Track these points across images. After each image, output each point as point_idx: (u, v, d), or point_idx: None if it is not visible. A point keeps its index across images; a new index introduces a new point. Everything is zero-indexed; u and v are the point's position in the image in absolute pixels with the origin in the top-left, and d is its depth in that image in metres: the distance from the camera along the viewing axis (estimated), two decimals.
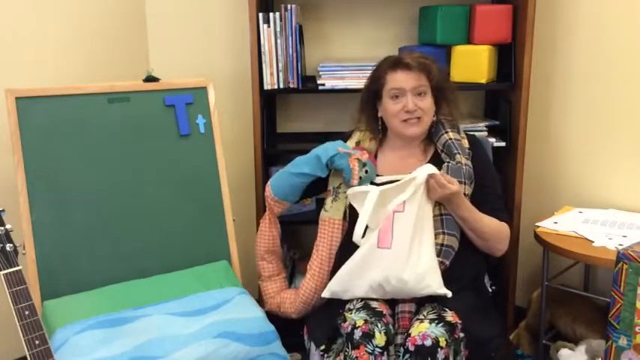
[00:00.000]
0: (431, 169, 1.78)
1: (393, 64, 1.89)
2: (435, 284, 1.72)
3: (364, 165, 1.88)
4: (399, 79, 1.87)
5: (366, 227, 1.79)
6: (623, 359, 1.48)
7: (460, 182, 1.83)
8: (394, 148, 1.99)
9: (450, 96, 1.96)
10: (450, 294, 1.72)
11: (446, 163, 1.88)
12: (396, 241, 1.75)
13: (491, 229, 1.85)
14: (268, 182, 2.05)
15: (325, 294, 1.84)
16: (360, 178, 1.87)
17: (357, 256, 1.78)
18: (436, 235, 1.80)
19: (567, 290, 2.21)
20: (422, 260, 1.73)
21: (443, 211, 1.83)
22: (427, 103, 1.89)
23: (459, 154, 1.89)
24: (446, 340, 1.59)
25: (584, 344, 2.02)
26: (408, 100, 1.86)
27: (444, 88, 1.94)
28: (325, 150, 1.92)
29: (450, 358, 1.60)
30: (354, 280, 1.77)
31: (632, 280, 1.44)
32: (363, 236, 1.78)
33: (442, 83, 1.92)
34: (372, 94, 1.95)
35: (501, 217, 1.89)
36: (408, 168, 1.87)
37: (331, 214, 1.95)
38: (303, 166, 1.94)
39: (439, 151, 1.94)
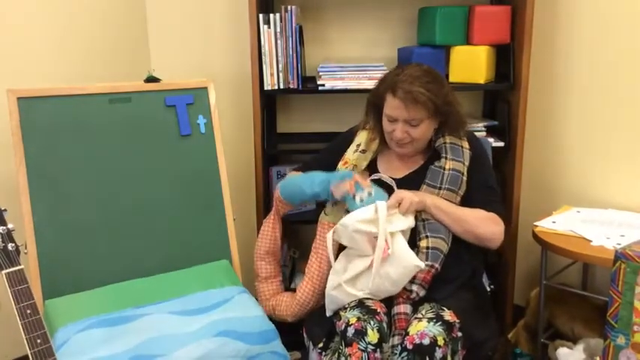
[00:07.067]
0: (381, 204, 1.75)
1: (392, 87, 1.82)
2: (410, 259, 1.71)
3: (362, 190, 1.82)
4: (394, 106, 1.82)
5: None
6: (621, 358, 1.49)
7: (434, 187, 1.84)
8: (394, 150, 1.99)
9: (454, 117, 1.90)
10: (422, 265, 1.71)
11: (430, 167, 1.89)
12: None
13: (476, 220, 1.84)
14: (277, 185, 2.09)
15: (329, 313, 1.83)
16: (362, 200, 1.80)
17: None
18: (421, 239, 1.81)
19: (566, 289, 2.22)
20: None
21: (424, 215, 1.83)
22: (420, 131, 1.84)
23: (447, 158, 1.88)
24: (444, 339, 1.60)
25: (583, 343, 2.02)
26: (398, 129, 1.83)
27: (447, 112, 1.87)
28: (341, 177, 1.90)
29: (447, 357, 1.60)
30: (345, 300, 1.78)
31: (630, 279, 1.45)
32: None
33: (444, 108, 1.85)
34: (377, 99, 1.92)
35: (494, 209, 1.87)
36: (406, 168, 1.93)
37: (331, 218, 1.96)
38: (316, 185, 1.93)
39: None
